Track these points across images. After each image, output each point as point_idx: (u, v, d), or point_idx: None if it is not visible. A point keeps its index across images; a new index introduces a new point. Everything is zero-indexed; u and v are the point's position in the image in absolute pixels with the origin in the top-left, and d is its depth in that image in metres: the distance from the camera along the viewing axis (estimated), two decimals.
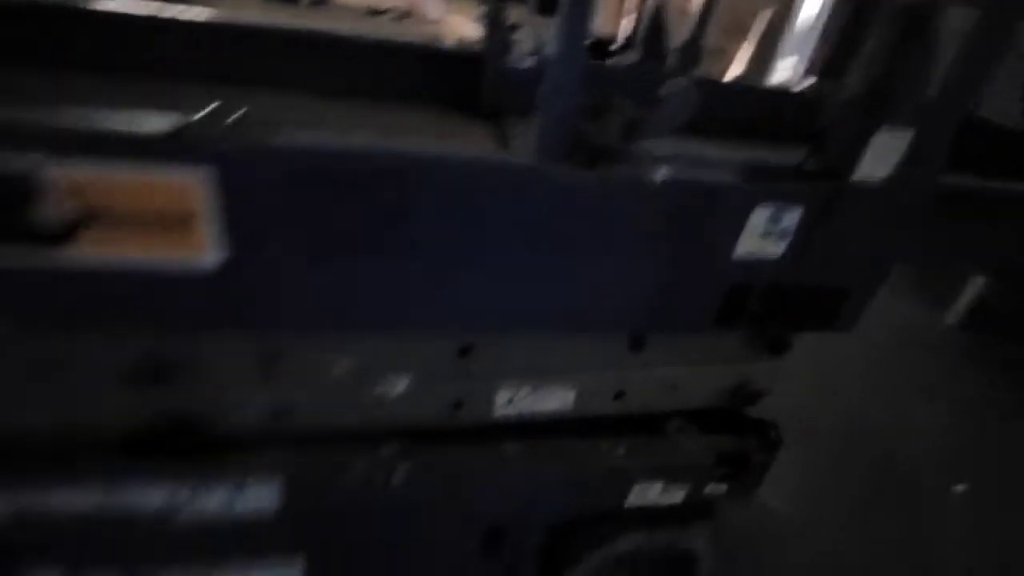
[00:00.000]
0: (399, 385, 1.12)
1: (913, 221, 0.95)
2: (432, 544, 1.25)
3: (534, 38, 1.66)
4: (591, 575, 1.36)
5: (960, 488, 2.35)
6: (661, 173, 0.84)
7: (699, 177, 0.91)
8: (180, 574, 1.18)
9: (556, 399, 1.21)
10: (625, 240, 0.91)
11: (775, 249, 0.95)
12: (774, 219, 0.92)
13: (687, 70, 1.41)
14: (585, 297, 0.97)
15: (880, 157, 0.84)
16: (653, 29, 1.42)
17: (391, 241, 0.84)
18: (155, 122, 0.76)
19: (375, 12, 7.29)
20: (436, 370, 1.12)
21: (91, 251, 0.79)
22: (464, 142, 1.21)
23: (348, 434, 1.13)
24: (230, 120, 0.82)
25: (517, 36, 1.40)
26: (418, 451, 1.15)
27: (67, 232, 0.77)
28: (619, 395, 1.24)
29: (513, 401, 1.19)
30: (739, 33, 5.25)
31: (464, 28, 6.30)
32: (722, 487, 1.35)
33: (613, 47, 1.76)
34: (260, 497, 1.10)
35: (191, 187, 0.76)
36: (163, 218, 0.78)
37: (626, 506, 1.29)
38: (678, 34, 1.45)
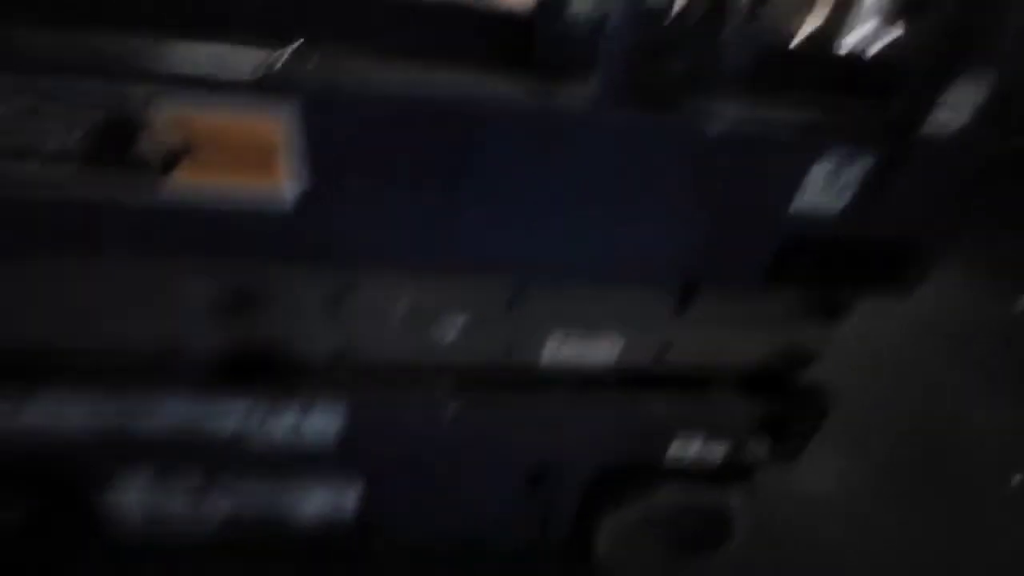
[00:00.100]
0: (454, 327, 1.18)
1: (986, 178, 0.91)
2: (477, 479, 1.33)
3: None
4: (626, 524, 1.41)
5: (1019, 478, 2.26)
6: (723, 121, 0.85)
7: (761, 127, 0.90)
8: (250, 487, 1.31)
9: (602, 351, 1.24)
10: (680, 189, 0.92)
11: (835, 203, 0.94)
12: (836, 172, 0.91)
13: (750, 23, 1.38)
14: (636, 246, 0.99)
15: (956, 106, 0.81)
16: None
17: (455, 181, 0.88)
18: (244, 63, 0.82)
19: None
20: (488, 315, 1.17)
21: (186, 182, 0.87)
22: None
23: (406, 370, 1.21)
24: (309, 63, 0.87)
25: None
26: (468, 391, 1.22)
27: (167, 163, 0.85)
28: (664, 351, 1.26)
29: (560, 350, 1.23)
30: None
31: None
32: (763, 449, 1.36)
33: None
34: (324, 423, 1.20)
35: (275, 124, 0.83)
36: (249, 153, 0.85)
37: (665, 460, 1.33)
38: None
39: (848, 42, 1.37)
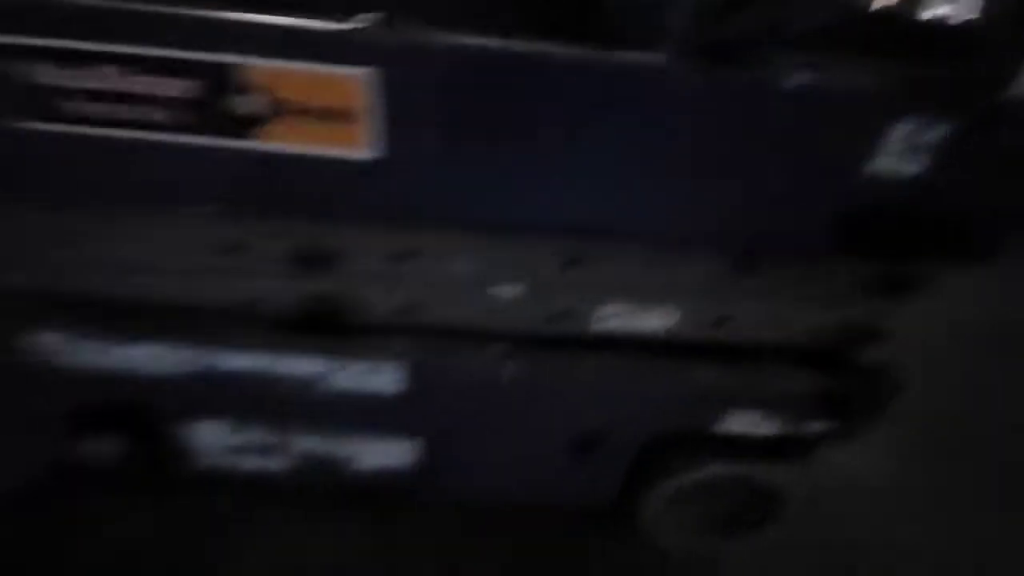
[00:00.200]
0: (511, 290, 1.21)
1: None
2: (530, 441, 1.36)
3: None
4: (676, 494, 1.41)
5: None
6: (797, 78, 0.84)
7: (837, 84, 0.88)
8: (315, 437, 1.39)
9: (657, 319, 1.25)
10: (747, 148, 0.91)
11: (911, 169, 0.91)
12: (914, 136, 0.88)
13: None
14: (699, 210, 0.99)
15: None
16: None
17: (526, 141, 0.91)
18: (325, 29, 0.87)
19: None
20: (545, 279, 1.19)
21: (272, 140, 0.93)
22: None
23: (464, 331, 1.25)
24: (388, 28, 0.91)
25: None
26: (524, 353, 1.25)
27: (255, 121, 0.92)
28: (720, 321, 1.25)
29: (615, 316, 1.24)
30: None
31: None
32: (821, 427, 1.33)
33: None
34: (386, 379, 1.26)
35: (356, 85, 0.87)
36: (330, 115, 0.90)
37: (717, 433, 1.32)
38: None
39: (931, 3, 1.30)
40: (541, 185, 0.98)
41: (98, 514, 1.56)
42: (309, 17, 0.87)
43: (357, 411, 1.32)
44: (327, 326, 1.24)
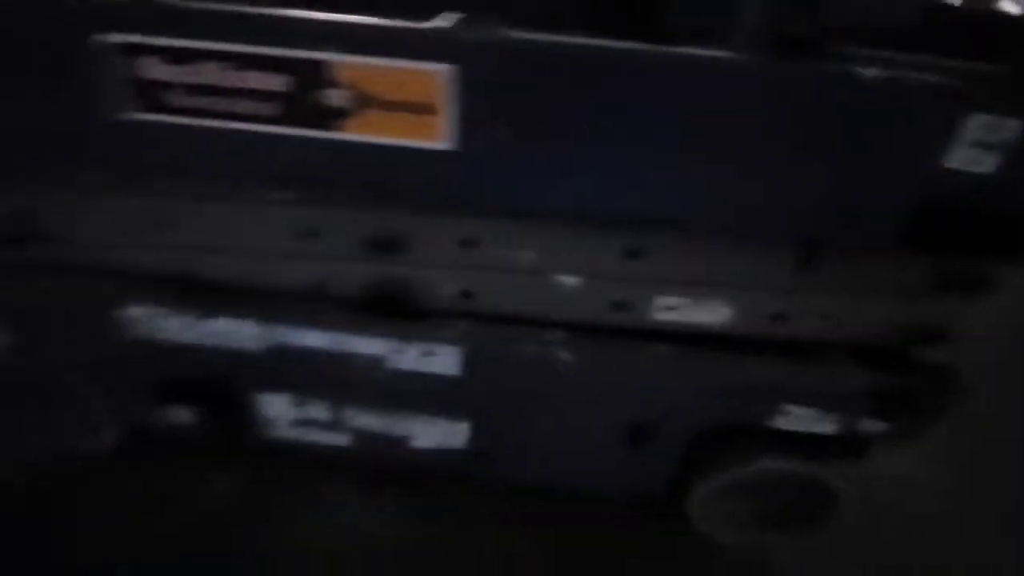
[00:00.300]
0: (570, 280, 1.25)
1: None
2: (582, 429, 1.40)
3: None
4: (728, 488, 1.43)
5: None
6: (868, 72, 0.84)
7: (909, 78, 0.87)
8: (374, 415, 1.46)
9: (715, 312, 1.26)
10: (814, 140, 0.91)
11: (983, 164, 0.90)
12: (988, 130, 0.86)
13: None
14: (762, 202, 1.00)
15: None
16: None
17: (595, 132, 0.94)
18: (407, 28, 0.92)
19: None
20: (605, 270, 1.22)
21: (354, 132, 0.99)
22: None
23: (523, 318, 1.30)
24: (467, 26, 0.95)
25: None
26: (580, 342, 1.28)
27: (340, 114, 0.98)
28: (778, 317, 1.26)
29: (673, 309, 1.26)
30: None
31: None
32: (878, 427, 1.32)
33: None
34: (445, 362, 1.32)
35: (437, 79, 0.92)
36: (412, 106, 0.95)
37: (771, 428, 1.33)
38: None
39: None
40: (606, 178, 1.01)
41: (178, 481, 1.68)
42: (394, 16, 0.92)
43: (416, 392, 1.38)
44: (392, 309, 1.30)
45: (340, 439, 1.54)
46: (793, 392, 1.27)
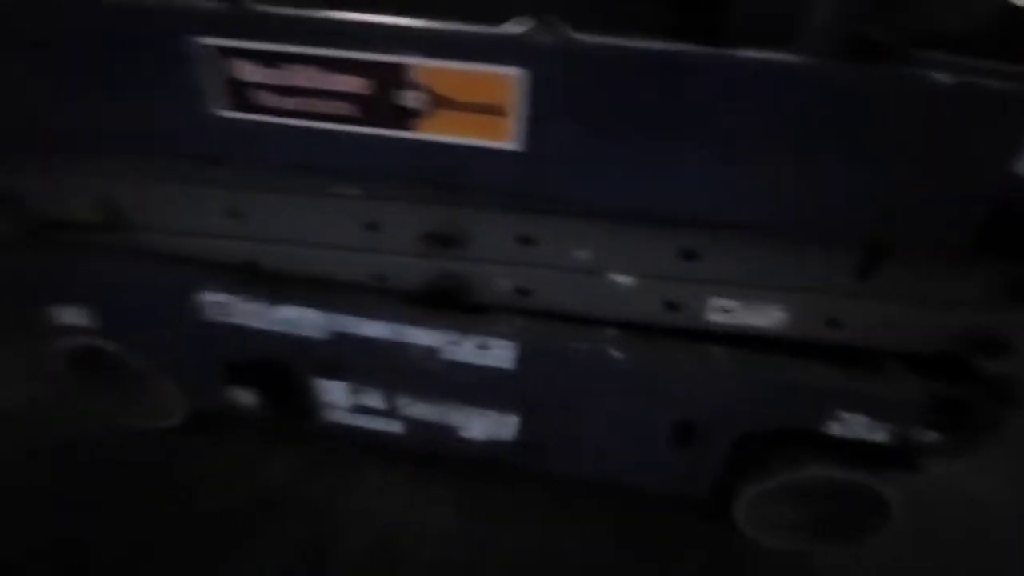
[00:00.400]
0: (625, 279, 1.27)
1: None
2: (632, 425, 1.42)
3: None
4: (775, 493, 1.42)
5: None
6: (944, 75, 0.84)
7: (982, 84, 0.87)
8: (423, 404, 1.51)
9: (768, 316, 1.26)
10: (884, 143, 0.92)
11: None
12: None
13: None
14: (826, 205, 1.00)
15: None
16: None
17: (662, 133, 0.96)
18: (480, 34, 0.96)
19: None
20: (661, 270, 1.24)
21: (428, 131, 1.04)
22: None
23: (577, 315, 1.33)
24: (536, 31, 0.99)
25: None
26: (633, 340, 1.31)
27: (415, 114, 1.03)
28: (834, 322, 1.25)
29: (727, 311, 1.27)
30: None
31: None
32: (932, 438, 1.30)
33: None
34: (499, 356, 1.36)
35: (508, 82, 0.96)
36: (483, 108, 1.00)
37: (823, 434, 1.32)
38: None
39: None
40: (669, 178, 1.03)
41: (239, 457, 1.77)
42: (469, 22, 0.97)
43: (469, 384, 1.42)
44: (449, 302, 1.35)
45: (393, 426, 1.60)
46: (846, 399, 1.27)
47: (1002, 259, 1.10)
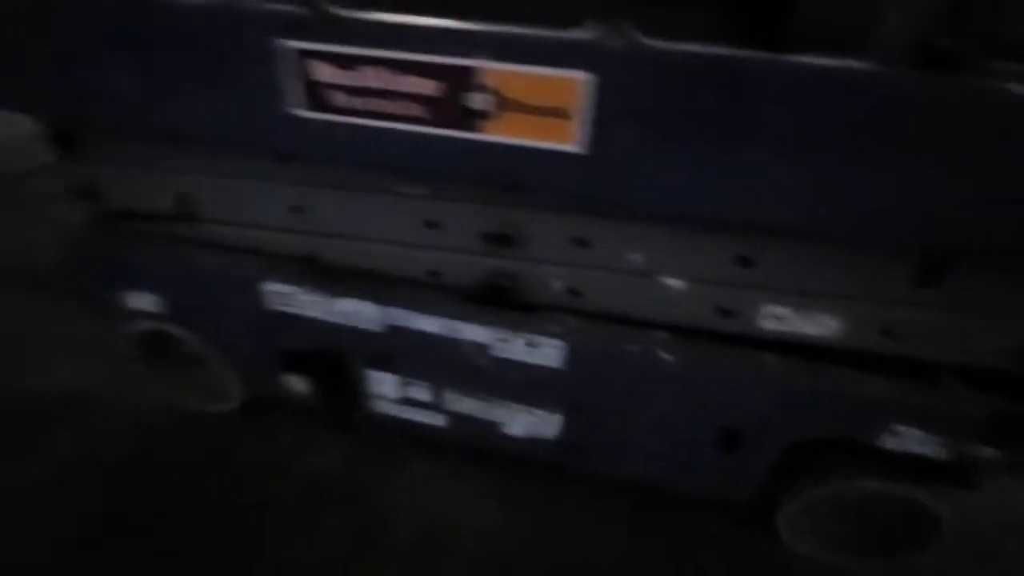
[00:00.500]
0: (677, 283, 1.28)
1: None
2: (677, 430, 1.42)
3: None
4: (821, 504, 1.41)
5: None
6: (1017, 86, 0.83)
7: None
8: (470, 399, 1.55)
9: (822, 324, 1.26)
10: (952, 153, 0.91)
11: None
12: None
13: None
14: (888, 213, 0.99)
15: None
16: None
17: (725, 138, 0.97)
18: (547, 37, 0.99)
19: None
20: (715, 275, 1.25)
21: (493, 133, 1.07)
22: None
23: (628, 317, 1.34)
24: (601, 35, 1.01)
25: None
26: (682, 344, 1.32)
27: (482, 116, 1.06)
28: (888, 333, 1.24)
29: (779, 318, 1.27)
30: None
31: None
32: (991, 452, 1.27)
33: None
34: (548, 355, 1.38)
35: (576, 86, 0.99)
36: (549, 111, 1.02)
37: (880, 447, 1.30)
38: None
39: None
40: (731, 183, 1.03)
41: (289, 444, 1.84)
42: (537, 26, 1.00)
43: (516, 381, 1.45)
44: (501, 300, 1.38)
45: (436, 419, 1.64)
46: (902, 412, 1.25)
47: None
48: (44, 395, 1.95)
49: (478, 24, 1.01)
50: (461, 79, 1.04)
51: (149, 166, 1.45)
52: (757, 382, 1.30)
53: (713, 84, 0.94)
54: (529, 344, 1.38)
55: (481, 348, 1.42)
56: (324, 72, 1.09)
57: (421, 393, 1.59)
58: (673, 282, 1.28)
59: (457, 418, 1.61)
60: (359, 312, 1.47)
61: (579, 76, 0.98)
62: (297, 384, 1.68)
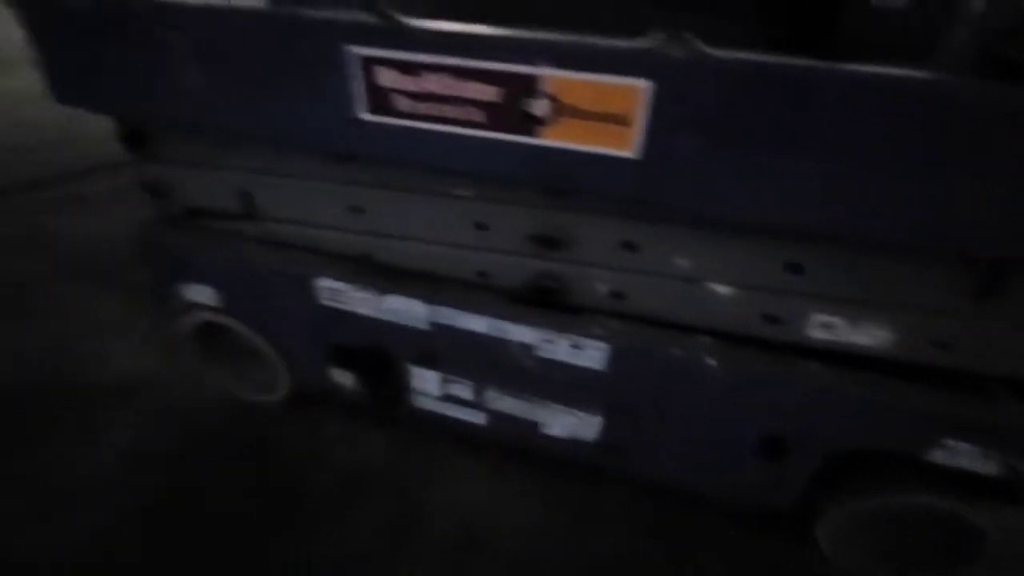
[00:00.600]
0: (724, 289, 1.29)
1: None
2: (718, 436, 1.43)
3: None
4: (866, 516, 1.40)
5: None
6: None
7: None
8: (511, 399, 1.58)
9: (872, 335, 1.25)
10: (1016, 164, 0.91)
11: None
12: None
13: None
14: (949, 223, 0.99)
15: None
16: None
17: (778, 145, 0.99)
18: (607, 46, 1.02)
19: None
20: (763, 282, 1.26)
21: (551, 138, 1.10)
22: None
23: (673, 322, 1.36)
24: (660, 44, 1.04)
25: None
26: (727, 351, 1.32)
27: (540, 121, 1.10)
28: (942, 344, 1.22)
29: (827, 327, 1.27)
30: None
31: None
32: None
33: None
34: (592, 357, 1.40)
35: (635, 93, 1.01)
36: (607, 117, 1.05)
37: (923, 460, 1.29)
38: None
39: None
40: (786, 192, 1.04)
41: (332, 436, 1.90)
42: (598, 35, 1.03)
43: (558, 382, 1.48)
44: (549, 302, 1.41)
45: (477, 417, 1.68)
46: (954, 426, 1.23)
47: None
48: (104, 386, 2.04)
49: (540, 33, 1.05)
50: (522, 86, 1.07)
51: (215, 166, 1.53)
52: (803, 391, 1.29)
53: (773, 93, 0.96)
54: (574, 346, 1.41)
55: (526, 348, 1.45)
56: (388, 78, 1.14)
57: (464, 391, 1.62)
58: (720, 288, 1.29)
59: (499, 417, 1.64)
60: (408, 310, 1.51)
61: (639, 84, 1.01)
62: (344, 378, 1.73)
